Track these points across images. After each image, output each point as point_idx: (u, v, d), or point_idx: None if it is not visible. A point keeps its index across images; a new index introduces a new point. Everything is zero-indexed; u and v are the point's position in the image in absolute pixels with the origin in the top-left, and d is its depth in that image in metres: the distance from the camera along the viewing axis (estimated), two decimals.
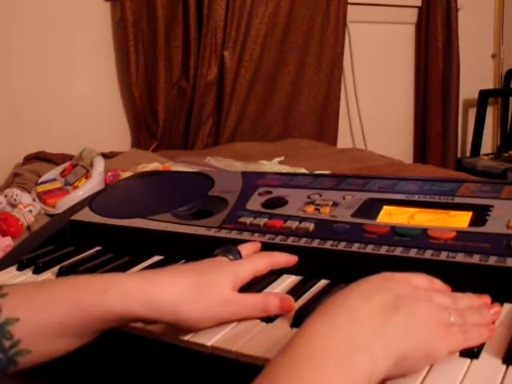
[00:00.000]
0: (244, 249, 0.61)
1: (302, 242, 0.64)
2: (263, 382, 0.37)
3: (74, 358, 0.62)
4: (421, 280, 0.49)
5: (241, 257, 0.60)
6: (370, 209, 0.68)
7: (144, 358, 0.55)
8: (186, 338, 0.52)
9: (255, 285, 0.58)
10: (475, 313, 0.48)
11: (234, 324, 0.53)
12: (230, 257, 0.59)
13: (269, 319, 0.53)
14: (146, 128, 1.97)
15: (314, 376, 0.36)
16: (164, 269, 0.57)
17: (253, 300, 0.54)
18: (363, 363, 0.38)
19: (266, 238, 0.66)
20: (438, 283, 0.51)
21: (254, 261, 0.59)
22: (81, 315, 0.49)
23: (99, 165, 1.31)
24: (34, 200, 1.24)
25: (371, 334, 0.40)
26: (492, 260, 0.53)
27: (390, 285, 0.45)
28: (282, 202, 0.73)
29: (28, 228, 1.12)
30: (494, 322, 0.48)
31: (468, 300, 0.50)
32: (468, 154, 2.84)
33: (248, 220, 0.70)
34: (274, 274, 0.62)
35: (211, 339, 0.51)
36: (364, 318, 0.41)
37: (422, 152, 2.70)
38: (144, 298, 0.49)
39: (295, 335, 0.40)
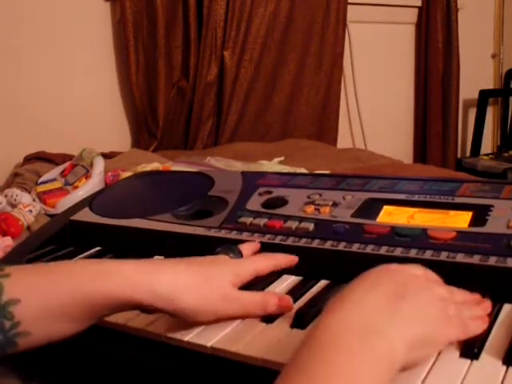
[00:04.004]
0: (244, 248, 0.62)
1: (302, 242, 0.64)
2: (290, 371, 0.37)
3: (73, 358, 0.62)
4: (417, 270, 0.50)
5: (242, 256, 0.60)
6: (370, 209, 0.68)
7: (144, 358, 0.55)
8: (186, 338, 0.52)
9: (255, 285, 0.58)
10: (468, 307, 0.49)
11: (235, 324, 0.53)
12: (231, 255, 0.59)
13: (269, 319, 0.53)
14: (146, 128, 1.96)
15: (336, 358, 0.37)
16: (167, 259, 0.57)
17: (252, 298, 0.54)
18: (382, 345, 0.39)
19: (266, 238, 0.66)
20: (432, 274, 0.51)
21: (255, 260, 0.60)
22: (83, 299, 0.48)
23: (99, 165, 1.31)
24: (34, 200, 1.24)
25: (383, 320, 0.41)
26: (492, 260, 0.53)
27: (390, 275, 0.46)
28: (281, 202, 0.73)
29: (28, 228, 1.12)
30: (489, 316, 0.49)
31: (462, 294, 0.50)
32: (468, 153, 2.83)
33: (248, 220, 0.70)
34: (274, 275, 0.62)
35: (211, 340, 0.51)
36: (372, 308, 0.42)
37: (421, 152, 2.69)
38: (148, 284, 0.50)
39: (311, 331, 0.40)
